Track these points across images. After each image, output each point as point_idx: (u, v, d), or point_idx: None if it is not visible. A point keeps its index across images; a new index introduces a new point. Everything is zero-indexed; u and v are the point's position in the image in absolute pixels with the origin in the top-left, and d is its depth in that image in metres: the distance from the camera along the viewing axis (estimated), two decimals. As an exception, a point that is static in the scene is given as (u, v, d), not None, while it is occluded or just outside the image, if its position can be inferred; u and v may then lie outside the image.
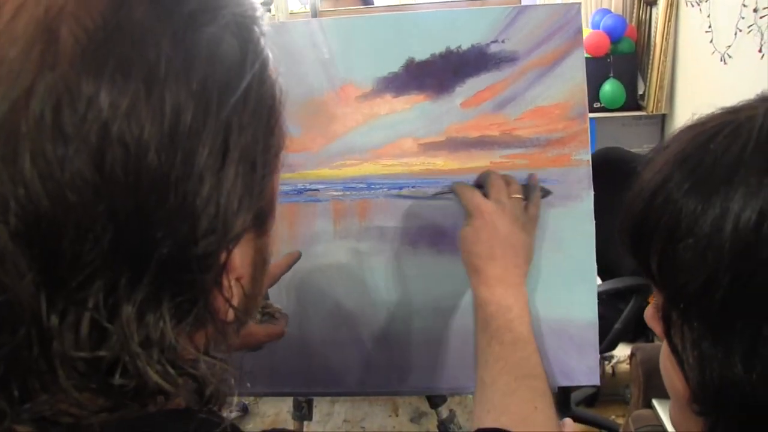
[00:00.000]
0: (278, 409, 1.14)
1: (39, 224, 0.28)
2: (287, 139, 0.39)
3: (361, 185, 0.83)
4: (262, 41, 0.36)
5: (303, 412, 0.98)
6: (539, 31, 0.80)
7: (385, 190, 0.82)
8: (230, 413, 1.13)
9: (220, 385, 0.36)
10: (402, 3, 2.52)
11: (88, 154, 0.28)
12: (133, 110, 0.29)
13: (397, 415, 1.10)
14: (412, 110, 0.81)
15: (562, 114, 0.80)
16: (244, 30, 0.35)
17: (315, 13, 1.07)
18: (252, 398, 1.18)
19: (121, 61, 0.29)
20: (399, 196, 0.82)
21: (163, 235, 0.30)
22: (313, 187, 0.82)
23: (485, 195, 0.72)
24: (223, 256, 0.34)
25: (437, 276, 0.82)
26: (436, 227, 0.82)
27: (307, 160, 0.83)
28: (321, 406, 1.13)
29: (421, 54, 0.80)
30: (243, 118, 0.33)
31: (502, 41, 0.80)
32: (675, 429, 0.49)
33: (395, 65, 0.81)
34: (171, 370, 0.32)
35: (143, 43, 0.30)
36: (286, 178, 0.83)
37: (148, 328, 0.31)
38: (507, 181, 0.74)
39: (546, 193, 0.79)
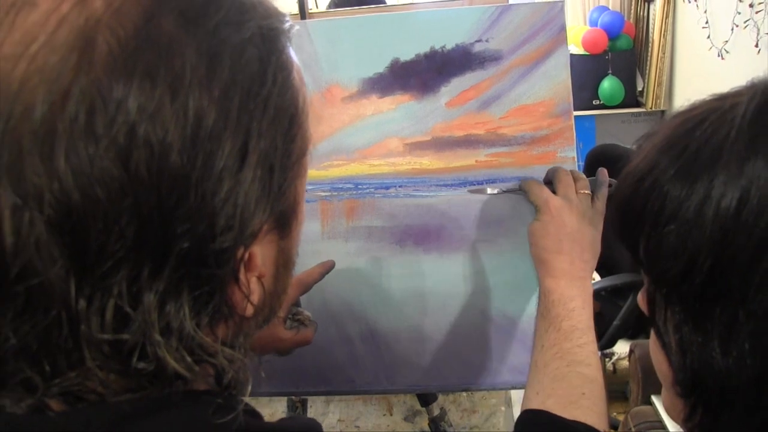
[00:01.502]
0: (273, 410, 1.15)
1: (70, 216, 0.30)
2: (309, 144, 0.41)
3: (348, 185, 0.83)
4: (287, 52, 0.38)
5: (297, 412, 0.99)
6: (523, 29, 0.80)
7: (372, 189, 0.83)
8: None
9: (238, 373, 0.38)
10: (396, 3, 2.52)
11: (116, 153, 0.30)
12: (158, 114, 0.31)
13: (391, 414, 1.10)
14: (397, 110, 0.82)
15: (547, 111, 0.81)
16: (268, 42, 0.36)
17: (304, 15, 1.08)
18: (247, 399, 1.19)
19: (149, 68, 0.31)
20: (468, 193, 0.82)
21: (183, 231, 0.33)
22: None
23: (553, 191, 0.74)
24: (240, 252, 0.36)
25: (424, 275, 0.82)
26: (422, 227, 0.82)
27: (295, 161, 0.83)
28: (315, 406, 1.13)
29: (406, 54, 0.81)
30: (262, 124, 0.35)
31: (486, 40, 0.80)
32: (666, 412, 0.49)
33: (380, 66, 0.81)
34: (188, 358, 0.35)
35: (170, 52, 0.32)
36: (274, 180, 0.84)
37: (168, 317, 0.33)
38: (575, 177, 0.76)
39: (612, 186, 0.79)
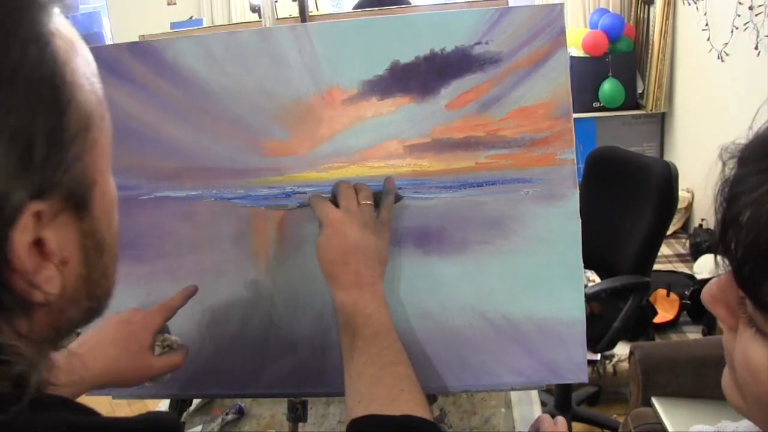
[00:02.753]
0: (274, 411, 1.15)
1: None
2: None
3: None
4: (45, 23, 0.36)
5: (297, 413, 0.99)
6: (522, 31, 0.80)
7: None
8: (226, 415, 1.13)
9: (39, 370, 0.36)
10: (422, 4, 2.52)
11: None
12: None
13: (391, 416, 1.10)
14: (397, 112, 0.82)
15: (547, 114, 0.81)
16: (16, 12, 0.34)
17: (305, 18, 1.08)
18: (248, 400, 1.19)
19: None
20: (268, 207, 0.84)
21: None
22: (301, 190, 0.83)
23: (337, 205, 0.76)
24: (6, 235, 0.34)
25: (424, 277, 0.83)
26: (422, 229, 0.83)
27: (295, 163, 0.84)
28: (316, 408, 1.13)
29: (406, 57, 0.81)
30: (10, 98, 0.33)
31: (486, 42, 0.80)
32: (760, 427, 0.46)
33: (380, 68, 0.82)
34: None
35: None
36: (274, 182, 0.84)
37: None
38: (358, 188, 0.78)
39: (398, 198, 0.81)
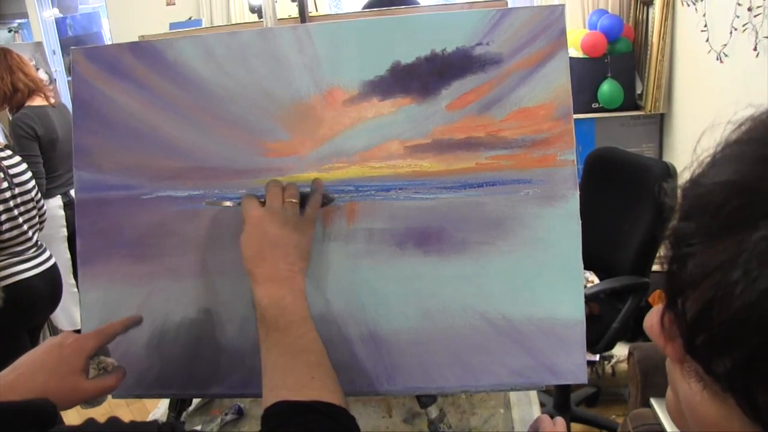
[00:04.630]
0: (273, 411, 1.15)
1: None
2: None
3: (349, 188, 0.83)
4: None
5: (297, 413, 0.99)
6: (523, 33, 0.80)
7: (373, 192, 0.83)
8: (225, 416, 1.13)
9: None
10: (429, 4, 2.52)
11: None
12: None
13: (390, 416, 1.10)
14: (398, 113, 0.82)
15: (547, 115, 0.81)
16: None
17: (304, 19, 1.08)
18: (247, 400, 1.19)
19: None
20: (207, 204, 0.85)
21: None
22: (303, 190, 0.83)
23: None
24: None
25: (424, 277, 0.83)
26: (423, 229, 0.83)
27: (296, 163, 0.84)
28: (315, 408, 1.13)
29: (407, 57, 0.81)
30: None
31: (487, 43, 0.81)
32: None
33: (381, 68, 0.82)
34: None
35: None
36: (275, 182, 0.84)
37: None
38: (285, 187, 0.79)
39: (328, 200, 0.83)
